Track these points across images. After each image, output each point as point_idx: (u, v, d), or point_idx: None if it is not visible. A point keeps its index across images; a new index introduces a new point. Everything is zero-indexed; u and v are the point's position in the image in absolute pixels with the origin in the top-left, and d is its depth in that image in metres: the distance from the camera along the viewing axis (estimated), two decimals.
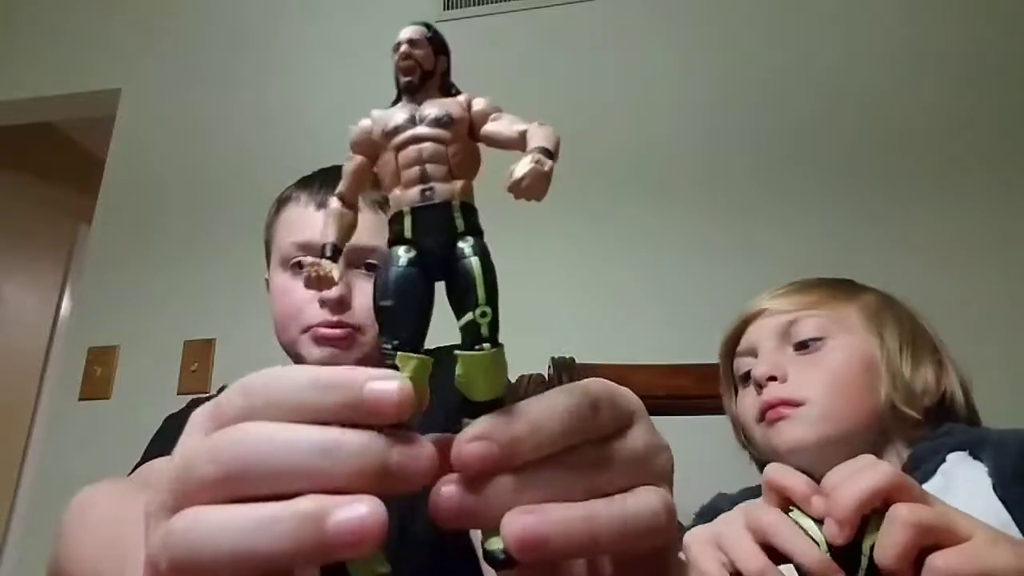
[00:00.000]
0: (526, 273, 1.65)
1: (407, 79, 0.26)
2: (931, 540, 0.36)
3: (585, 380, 0.26)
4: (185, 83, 2.00)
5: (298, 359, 0.82)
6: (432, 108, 0.25)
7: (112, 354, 1.76)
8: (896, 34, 1.71)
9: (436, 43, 0.26)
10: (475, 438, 0.22)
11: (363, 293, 0.81)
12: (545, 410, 0.24)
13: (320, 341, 0.80)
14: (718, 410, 0.87)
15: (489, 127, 0.26)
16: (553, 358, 1.06)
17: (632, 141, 1.73)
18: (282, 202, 0.89)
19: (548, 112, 2.07)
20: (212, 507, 0.21)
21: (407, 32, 0.26)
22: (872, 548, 0.37)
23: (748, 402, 0.77)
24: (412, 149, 0.25)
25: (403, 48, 0.26)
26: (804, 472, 0.50)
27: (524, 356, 1.06)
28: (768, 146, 1.67)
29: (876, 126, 1.64)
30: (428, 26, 0.26)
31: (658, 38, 1.82)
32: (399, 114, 0.25)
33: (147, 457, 0.82)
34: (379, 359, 0.24)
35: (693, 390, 1.02)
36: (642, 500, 0.24)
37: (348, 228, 0.26)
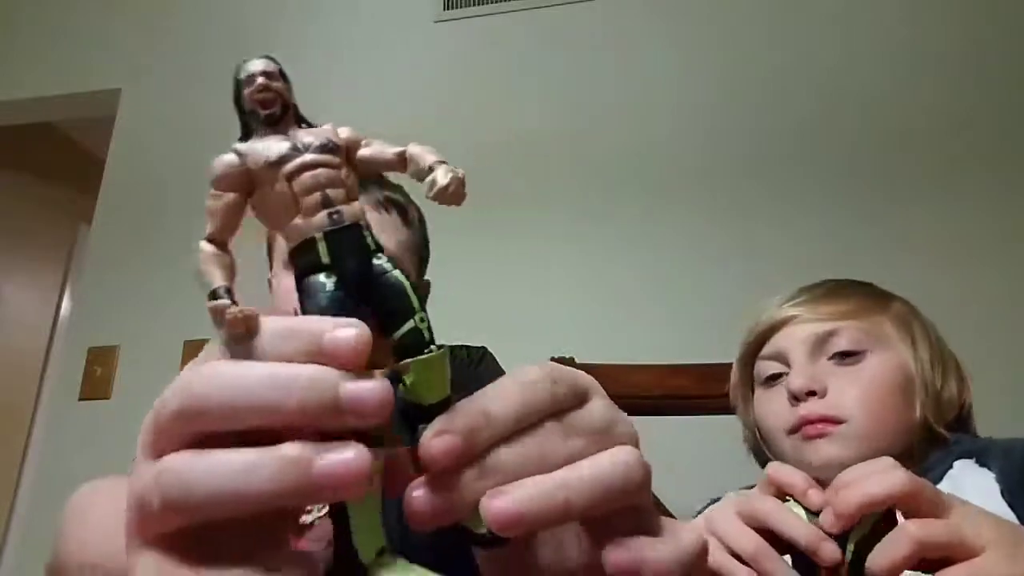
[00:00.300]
0: (526, 273, 1.65)
1: (269, 111, 0.26)
2: (940, 555, 0.36)
3: (537, 363, 0.27)
4: (185, 83, 2.00)
5: None
6: (310, 136, 0.25)
7: (112, 354, 1.76)
8: (896, 34, 1.71)
9: (284, 75, 0.26)
10: (437, 434, 0.23)
11: None
12: (500, 393, 0.24)
13: None
14: (718, 410, 0.87)
15: (365, 152, 0.26)
16: (553, 358, 1.06)
17: (632, 141, 1.73)
18: None
19: (548, 112, 2.08)
20: (204, 451, 0.22)
21: (259, 65, 0.26)
22: (857, 544, 0.37)
23: (775, 408, 0.74)
24: (307, 176, 0.24)
25: (260, 81, 0.25)
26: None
27: (524, 356, 1.06)
28: (768, 146, 1.67)
29: (876, 126, 1.64)
30: (273, 59, 0.26)
31: (658, 38, 1.82)
32: (276, 144, 0.25)
33: None
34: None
35: (693, 390, 1.02)
36: (613, 458, 0.25)
37: (230, 269, 0.25)
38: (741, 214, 1.62)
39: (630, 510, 0.26)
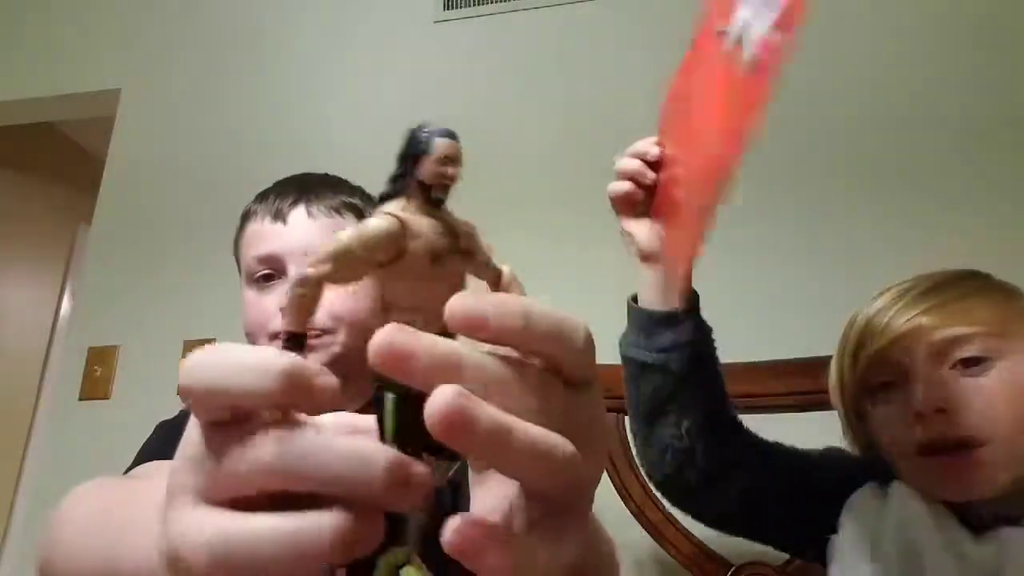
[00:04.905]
0: (531, 273, 1.65)
1: (443, 196, 0.27)
2: None
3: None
4: (185, 83, 2.00)
5: None
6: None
7: (112, 354, 1.76)
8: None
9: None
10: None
11: (326, 297, 0.79)
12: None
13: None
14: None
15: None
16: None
17: (634, 141, 1.73)
18: (244, 217, 0.92)
19: (547, 113, 2.06)
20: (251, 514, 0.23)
21: (454, 149, 0.27)
22: None
23: (895, 427, 0.67)
24: None
25: (452, 171, 0.26)
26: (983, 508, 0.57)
27: None
28: (770, 147, 1.67)
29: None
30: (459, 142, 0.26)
31: (659, 38, 1.82)
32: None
33: (137, 462, 0.81)
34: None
35: None
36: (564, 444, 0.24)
37: None
38: (747, 211, 1.61)
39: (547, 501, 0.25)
